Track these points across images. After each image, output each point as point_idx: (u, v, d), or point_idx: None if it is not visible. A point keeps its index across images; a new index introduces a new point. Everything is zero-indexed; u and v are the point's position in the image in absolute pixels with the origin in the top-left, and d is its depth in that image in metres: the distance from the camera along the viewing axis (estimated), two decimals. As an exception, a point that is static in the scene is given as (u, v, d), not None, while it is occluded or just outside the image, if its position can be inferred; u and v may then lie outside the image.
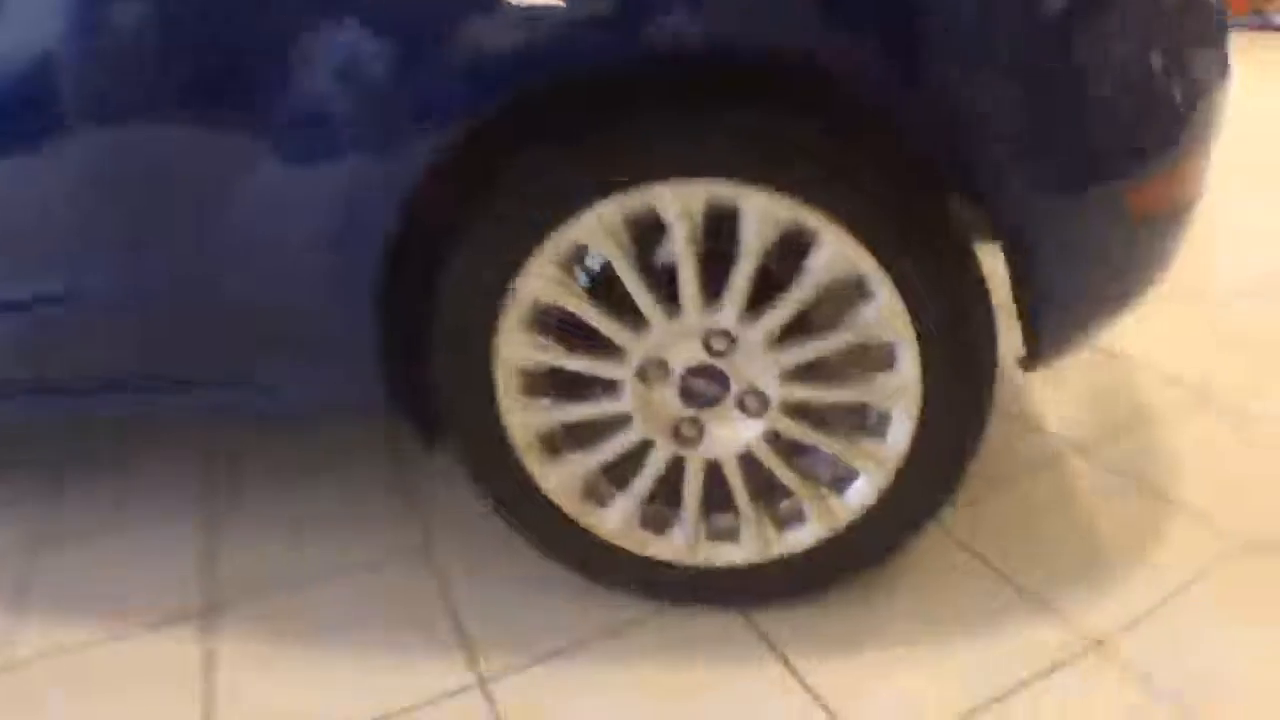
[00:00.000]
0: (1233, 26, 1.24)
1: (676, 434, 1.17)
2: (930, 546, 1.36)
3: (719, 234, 1.07)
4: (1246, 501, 1.45)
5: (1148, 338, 1.98)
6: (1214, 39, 1.18)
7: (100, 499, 1.61)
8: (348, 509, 1.54)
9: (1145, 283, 1.22)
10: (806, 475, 1.18)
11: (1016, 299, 1.13)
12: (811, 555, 1.21)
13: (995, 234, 1.09)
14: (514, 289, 1.09)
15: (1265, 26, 7.11)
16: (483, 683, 1.17)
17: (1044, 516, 1.43)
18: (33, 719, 1.16)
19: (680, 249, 1.06)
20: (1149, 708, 1.09)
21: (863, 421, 1.18)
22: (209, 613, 1.33)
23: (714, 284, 1.09)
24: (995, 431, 1.64)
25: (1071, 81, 1.01)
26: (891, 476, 1.15)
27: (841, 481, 1.19)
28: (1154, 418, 1.69)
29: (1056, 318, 1.14)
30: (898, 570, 1.32)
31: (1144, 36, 1.05)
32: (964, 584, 1.30)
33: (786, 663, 1.18)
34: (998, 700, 1.11)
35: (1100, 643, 1.19)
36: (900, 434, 1.13)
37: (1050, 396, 1.76)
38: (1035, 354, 1.17)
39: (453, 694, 1.16)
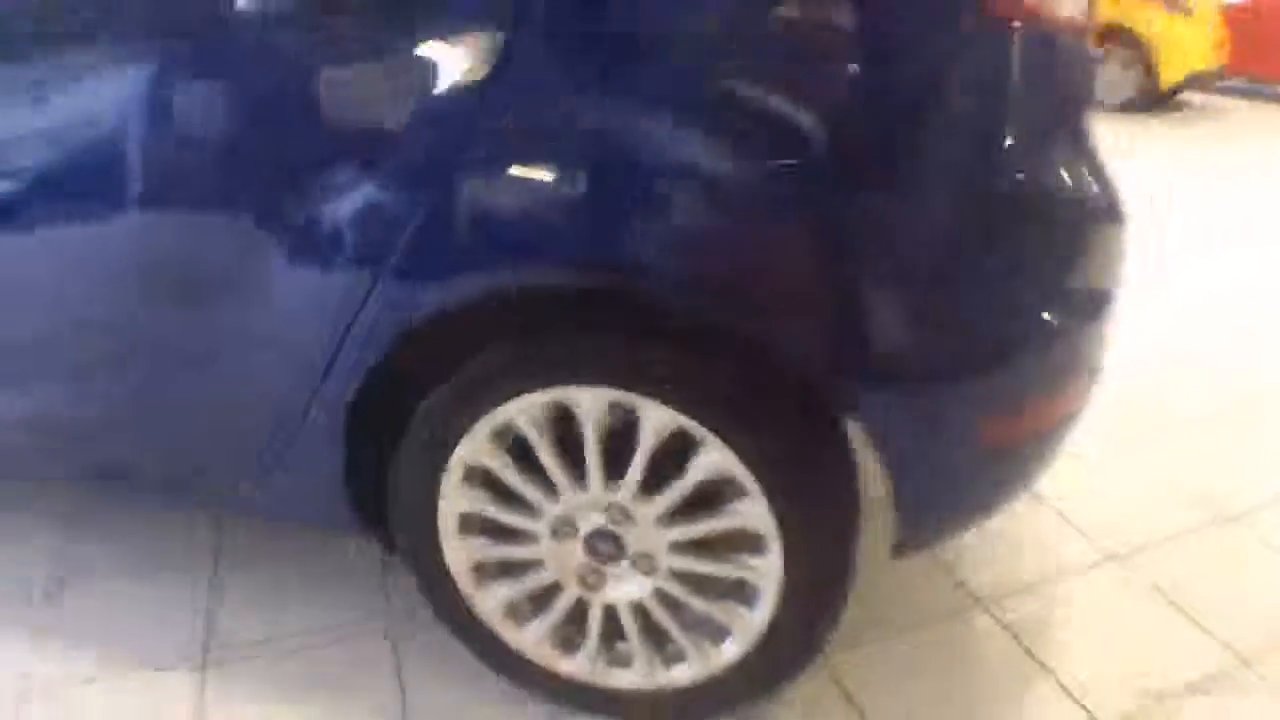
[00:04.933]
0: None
1: (582, 580, 1.40)
2: (814, 692, 1.55)
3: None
4: (1120, 670, 1.60)
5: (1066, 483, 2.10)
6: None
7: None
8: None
9: (1001, 500, 1.40)
10: (688, 627, 1.40)
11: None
12: (691, 691, 1.42)
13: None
14: (456, 454, 1.33)
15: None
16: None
17: (929, 674, 1.60)
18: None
19: (588, 439, 1.29)
20: None
21: (740, 590, 1.38)
22: (208, 665, 1.61)
23: (617, 464, 1.31)
24: (906, 569, 1.81)
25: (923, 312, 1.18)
26: (756, 641, 1.36)
27: (719, 634, 1.40)
28: (1059, 574, 1.84)
29: (914, 520, 1.33)
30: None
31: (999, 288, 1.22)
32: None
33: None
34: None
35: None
36: (764, 608, 1.34)
37: (969, 538, 1.92)
38: (901, 545, 1.36)
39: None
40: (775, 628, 1.35)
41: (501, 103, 1.14)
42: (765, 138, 1.11)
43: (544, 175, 1.17)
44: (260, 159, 1.24)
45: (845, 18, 1.12)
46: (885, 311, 1.17)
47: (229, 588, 1.76)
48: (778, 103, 1.11)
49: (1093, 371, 1.38)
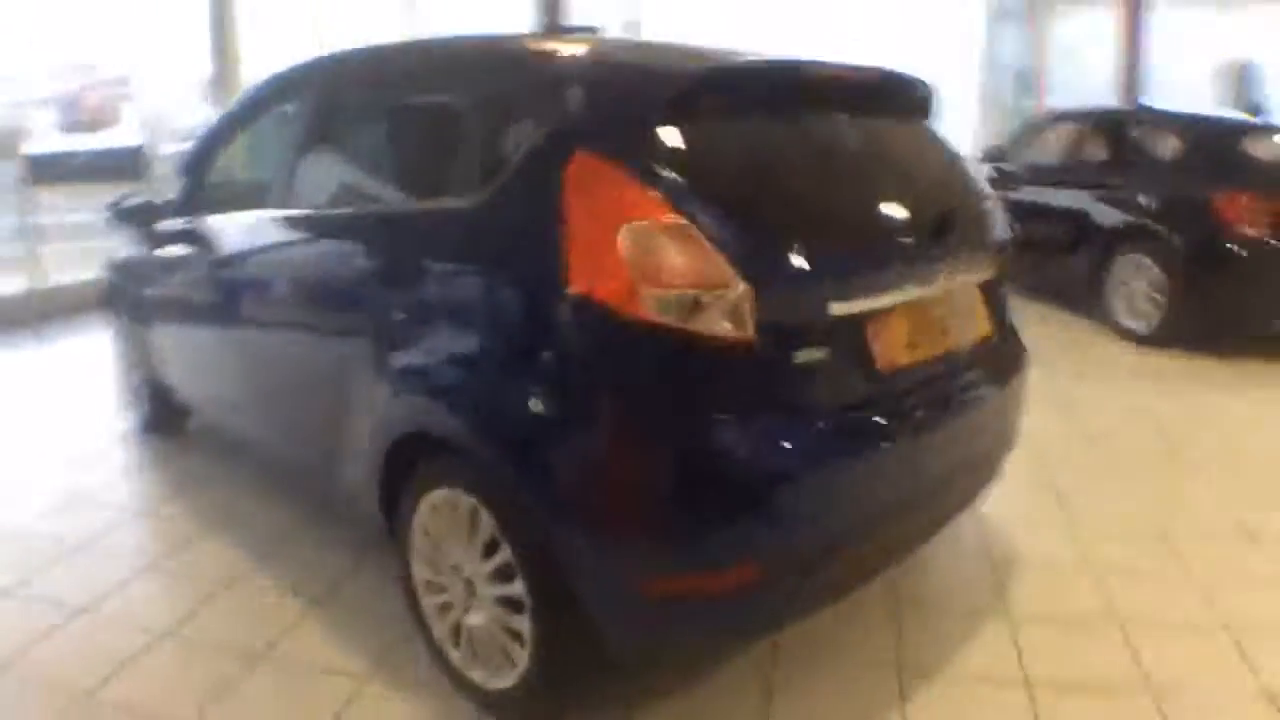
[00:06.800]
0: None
1: (461, 604, 2.38)
2: None
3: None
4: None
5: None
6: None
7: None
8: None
9: (676, 645, 2.15)
10: (505, 652, 2.30)
11: None
12: (501, 695, 2.32)
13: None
14: (416, 510, 2.42)
15: None
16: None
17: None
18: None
19: (459, 521, 2.30)
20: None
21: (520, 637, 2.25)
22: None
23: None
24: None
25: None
26: (525, 675, 2.23)
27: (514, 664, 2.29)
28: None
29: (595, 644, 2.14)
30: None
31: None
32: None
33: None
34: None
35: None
36: (527, 655, 2.21)
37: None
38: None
39: None
40: (534, 671, 2.21)
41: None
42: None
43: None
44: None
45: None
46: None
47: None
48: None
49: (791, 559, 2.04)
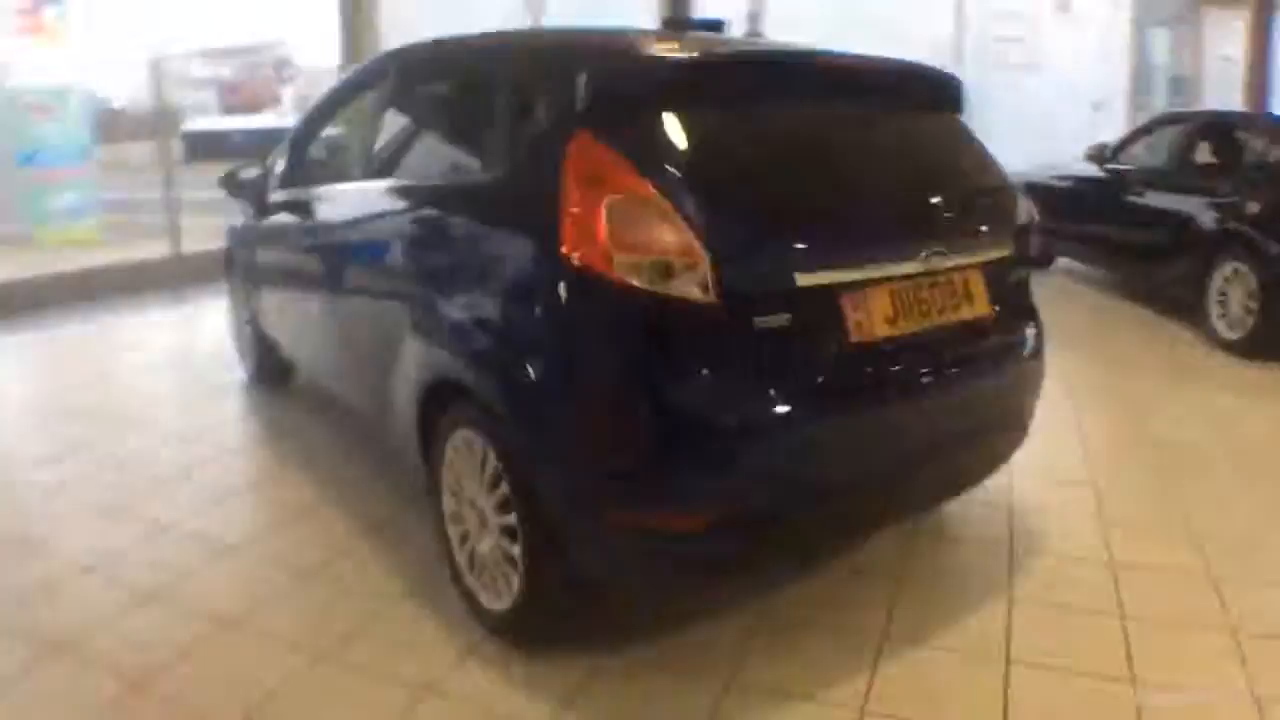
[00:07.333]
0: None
1: (478, 532, 2.66)
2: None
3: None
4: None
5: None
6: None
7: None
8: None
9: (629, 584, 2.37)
10: (505, 578, 2.58)
11: None
12: (501, 616, 2.58)
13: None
14: (445, 449, 2.72)
15: None
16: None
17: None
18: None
19: (475, 459, 2.58)
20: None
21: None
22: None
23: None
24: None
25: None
26: (517, 600, 2.49)
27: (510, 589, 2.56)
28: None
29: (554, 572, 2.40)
30: None
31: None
32: None
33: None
34: None
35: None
36: (518, 578, 2.47)
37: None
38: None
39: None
40: (525, 595, 2.47)
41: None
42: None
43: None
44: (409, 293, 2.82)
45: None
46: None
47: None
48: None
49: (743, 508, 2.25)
